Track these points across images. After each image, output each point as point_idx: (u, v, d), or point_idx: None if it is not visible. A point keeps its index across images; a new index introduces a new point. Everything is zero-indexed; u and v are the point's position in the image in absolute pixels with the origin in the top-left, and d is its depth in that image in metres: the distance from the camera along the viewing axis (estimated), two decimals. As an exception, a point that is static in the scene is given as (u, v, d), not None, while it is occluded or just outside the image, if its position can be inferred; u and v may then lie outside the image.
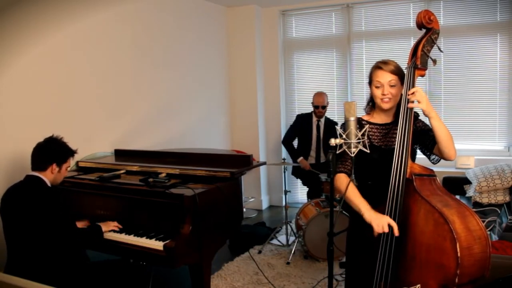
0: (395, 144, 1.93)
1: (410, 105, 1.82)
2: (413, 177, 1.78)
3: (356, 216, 1.91)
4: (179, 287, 3.37)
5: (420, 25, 1.89)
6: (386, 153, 1.95)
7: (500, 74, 4.63)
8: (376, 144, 2.01)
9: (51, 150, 2.37)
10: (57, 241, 2.24)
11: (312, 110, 4.69)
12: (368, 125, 2.00)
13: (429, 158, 2.01)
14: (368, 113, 2.12)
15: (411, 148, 1.84)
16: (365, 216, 1.83)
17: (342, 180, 1.98)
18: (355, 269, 2.06)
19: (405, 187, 1.78)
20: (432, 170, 1.84)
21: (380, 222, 1.77)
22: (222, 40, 5.46)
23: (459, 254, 1.55)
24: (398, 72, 1.95)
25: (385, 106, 1.97)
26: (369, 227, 1.80)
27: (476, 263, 1.59)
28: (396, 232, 1.75)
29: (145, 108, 4.16)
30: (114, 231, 2.54)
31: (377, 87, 1.97)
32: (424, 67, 1.88)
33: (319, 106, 4.59)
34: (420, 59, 1.86)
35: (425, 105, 1.79)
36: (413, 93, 1.81)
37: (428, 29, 1.89)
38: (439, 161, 1.99)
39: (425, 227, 1.68)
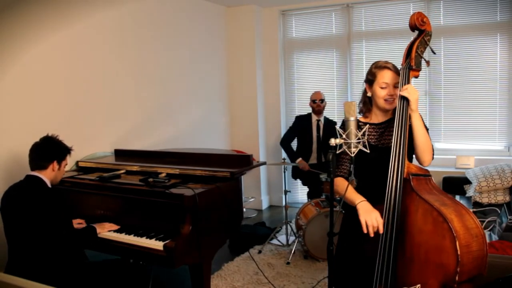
0: (392, 142, 1.93)
1: (401, 92, 1.83)
2: (410, 176, 1.79)
3: (350, 215, 1.92)
4: (179, 287, 3.37)
5: (413, 27, 1.91)
6: (383, 151, 1.95)
7: (500, 74, 4.62)
8: (373, 143, 2.01)
9: (51, 149, 2.38)
10: (56, 242, 2.25)
11: (311, 110, 4.71)
12: (366, 125, 2.00)
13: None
14: (364, 115, 2.11)
15: (407, 148, 1.85)
16: (358, 207, 1.84)
17: (339, 183, 1.99)
18: (343, 268, 2.05)
19: (402, 187, 1.78)
20: (427, 170, 1.87)
21: (368, 218, 1.77)
22: (222, 40, 5.46)
23: (459, 252, 1.56)
24: (399, 73, 1.97)
25: (389, 107, 1.98)
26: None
27: (474, 261, 1.61)
28: (380, 229, 1.76)
29: (145, 108, 4.16)
30: (114, 230, 2.54)
31: (382, 87, 1.97)
32: (418, 68, 1.91)
33: (317, 100, 4.62)
34: (414, 60, 1.89)
35: (414, 100, 1.81)
36: (406, 89, 1.83)
37: (421, 31, 1.92)
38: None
39: (424, 226, 1.69)
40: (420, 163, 1.93)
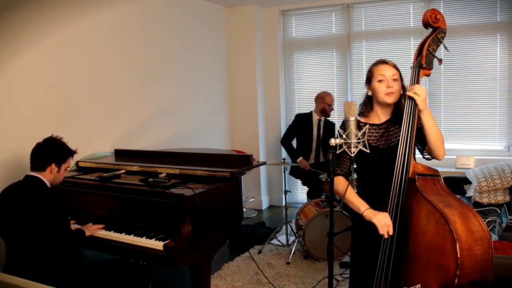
0: (393, 143, 1.93)
1: (408, 93, 1.83)
2: (416, 176, 1.78)
3: (359, 215, 1.91)
4: (179, 287, 3.37)
5: (426, 24, 1.88)
6: (385, 152, 1.95)
7: (500, 74, 4.62)
8: (373, 144, 1.99)
9: (50, 151, 2.37)
10: (56, 241, 2.25)
11: (313, 109, 4.73)
12: (366, 125, 1.99)
13: (422, 153, 2.00)
14: (365, 116, 2.09)
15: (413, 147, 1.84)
16: (365, 214, 1.83)
17: (339, 182, 1.98)
18: (359, 268, 2.06)
19: (407, 187, 1.77)
20: (436, 170, 1.83)
21: (381, 218, 1.77)
22: (222, 40, 5.46)
23: (458, 255, 1.55)
24: (398, 68, 1.97)
25: (389, 100, 1.94)
26: (373, 226, 1.79)
27: (477, 264, 1.59)
28: (390, 230, 1.75)
29: (145, 108, 4.15)
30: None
31: (380, 81, 1.94)
32: (429, 66, 1.88)
33: (332, 105, 4.70)
34: (425, 58, 1.86)
35: (421, 100, 1.79)
36: (412, 89, 1.82)
37: (434, 28, 1.88)
38: (431, 159, 1.99)
39: (427, 227, 1.68)
40: (435, 157, 1.91)
